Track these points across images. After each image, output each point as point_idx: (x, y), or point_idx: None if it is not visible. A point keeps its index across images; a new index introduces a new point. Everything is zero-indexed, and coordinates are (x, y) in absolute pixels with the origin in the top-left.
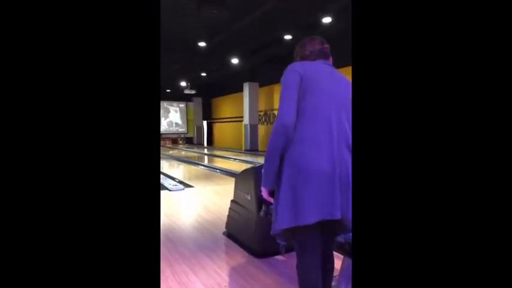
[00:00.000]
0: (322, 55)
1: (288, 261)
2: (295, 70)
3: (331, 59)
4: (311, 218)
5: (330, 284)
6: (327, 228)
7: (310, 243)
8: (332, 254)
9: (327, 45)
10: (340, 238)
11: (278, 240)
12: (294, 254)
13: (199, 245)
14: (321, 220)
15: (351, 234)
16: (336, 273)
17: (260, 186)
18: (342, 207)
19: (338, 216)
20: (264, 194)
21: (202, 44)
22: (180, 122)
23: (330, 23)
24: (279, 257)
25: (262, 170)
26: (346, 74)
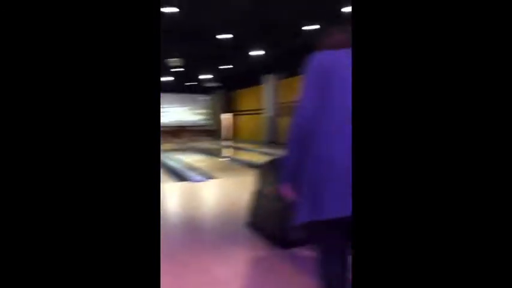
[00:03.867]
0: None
1: (310, 252)
2: (317, 59)
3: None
4: (332, 212)
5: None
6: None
7: (332, 237)
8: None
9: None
10: None
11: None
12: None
13: (220, 234)
14: (342, 216)
15: None
16: None
17: (281, 178)
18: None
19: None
20: (285, 189)
21: (225, 36)
22: (204, 115)
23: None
24: (301, 248)
25: (283, 163)
26: None
